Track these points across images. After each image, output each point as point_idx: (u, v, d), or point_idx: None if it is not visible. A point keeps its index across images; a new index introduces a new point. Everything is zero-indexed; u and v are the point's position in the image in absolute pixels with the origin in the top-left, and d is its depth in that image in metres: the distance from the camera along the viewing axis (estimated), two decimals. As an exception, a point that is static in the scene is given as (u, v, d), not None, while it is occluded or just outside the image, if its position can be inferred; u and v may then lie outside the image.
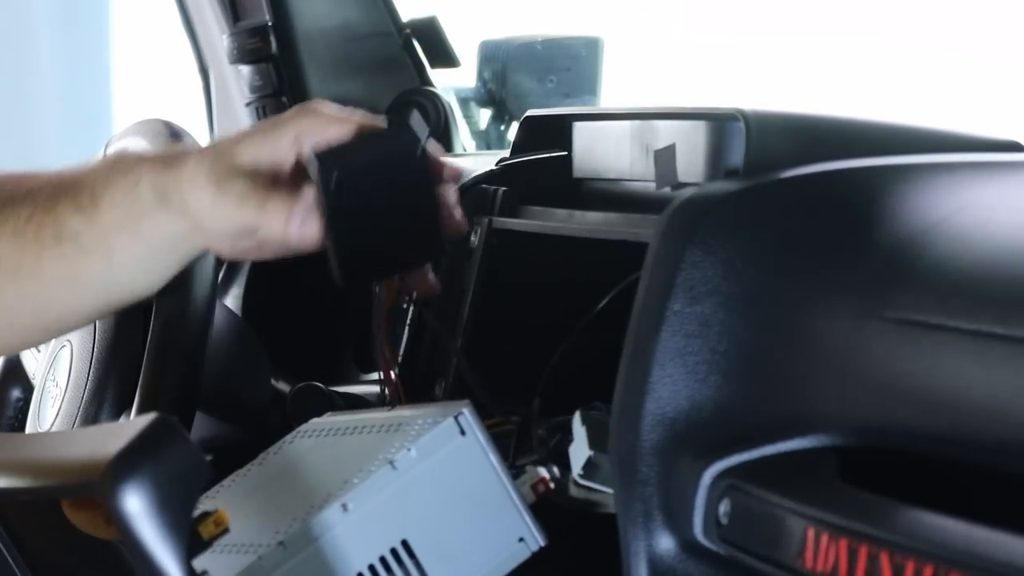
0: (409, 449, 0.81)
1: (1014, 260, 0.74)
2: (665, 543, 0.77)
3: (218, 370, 1.32)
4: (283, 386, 1.39)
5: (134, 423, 0.69)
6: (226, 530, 0.69)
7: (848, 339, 0.74)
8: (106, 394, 1.24)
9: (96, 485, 0.66)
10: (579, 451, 0.90)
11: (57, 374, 1.32)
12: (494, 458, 0.82)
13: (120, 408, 1.23)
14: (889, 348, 0.72)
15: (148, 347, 1.20)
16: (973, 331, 0.69)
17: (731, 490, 0.73)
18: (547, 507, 0.85)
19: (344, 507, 0.79)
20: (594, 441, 0.88)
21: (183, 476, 0.67)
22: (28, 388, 1.42)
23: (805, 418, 0.73)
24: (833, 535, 0.66)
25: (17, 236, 0.95)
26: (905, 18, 2.51)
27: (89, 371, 1.26)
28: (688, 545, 0.76)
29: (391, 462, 0.80)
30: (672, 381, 0.77)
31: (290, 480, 0.88)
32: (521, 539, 0.82)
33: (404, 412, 0.88)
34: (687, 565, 0.77)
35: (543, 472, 0.86)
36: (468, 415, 0.82)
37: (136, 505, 0.66)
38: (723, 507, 0.73)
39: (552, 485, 0.86)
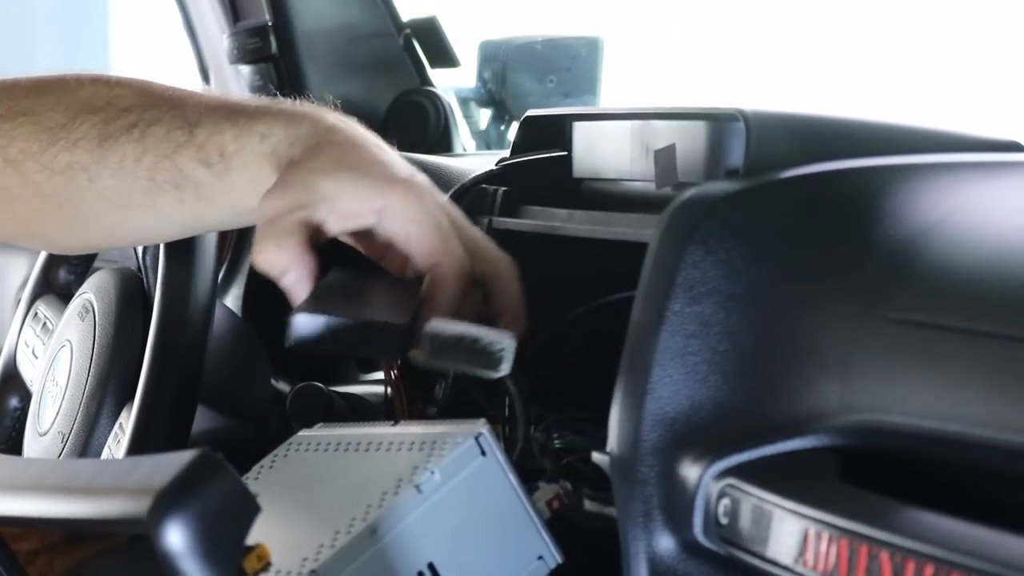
0: (433, 472, 0.80)
1: (1014, 260, 0.74)
2: (665, 543, 0.77)
3: (218, 370, 1.33)
4: (283, 386, 1.40)
5: (176, 457, 0.68)
6: (268, 564, 0.69)
7: (848, 339, 0.74)
8: (106, 392, 1.24)
9: (143, 522, 0.65)
10: None
11: (57, 373, 1.32)
12: (513, 477, 0.82)
13: (120, 406, 1.24)
14: (889, 348, 0.72)
15: (148, 345, 1.20)
16: (973, 331, 0.69)
17: (731, 490, 0.73)
18: (558, 521, 0.85)
19: (373, 532, 0.78)
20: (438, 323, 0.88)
21: (231, 513, 0.66)
22: (26, 396, 1.42)
23: (805, 418, 0.73)
24: (833, 535, 0.66)
25: (126, 174, 0.95)
26: (905, 19, 2.51)
27: (89, 369, 1.26)
28: (688, 545, 0.76)
29: (416, 486, 0.80)
30: (672, 381, 0.77)
31: (309, 499, 0.87)
32: (540, 557, 0.82)
33: (413, 429, 0.88)
34: (687, 565, 0.77)
35: (557, 488, 0.86)
36: (488, 435, 0.82)
37: (186, 541, 0.65)
38: (723, 507, 0.73)
39: (566, 501, 0.86)
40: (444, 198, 0.94)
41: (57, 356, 1.33)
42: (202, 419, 1.26)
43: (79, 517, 0.71)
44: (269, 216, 0.89)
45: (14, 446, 1.40)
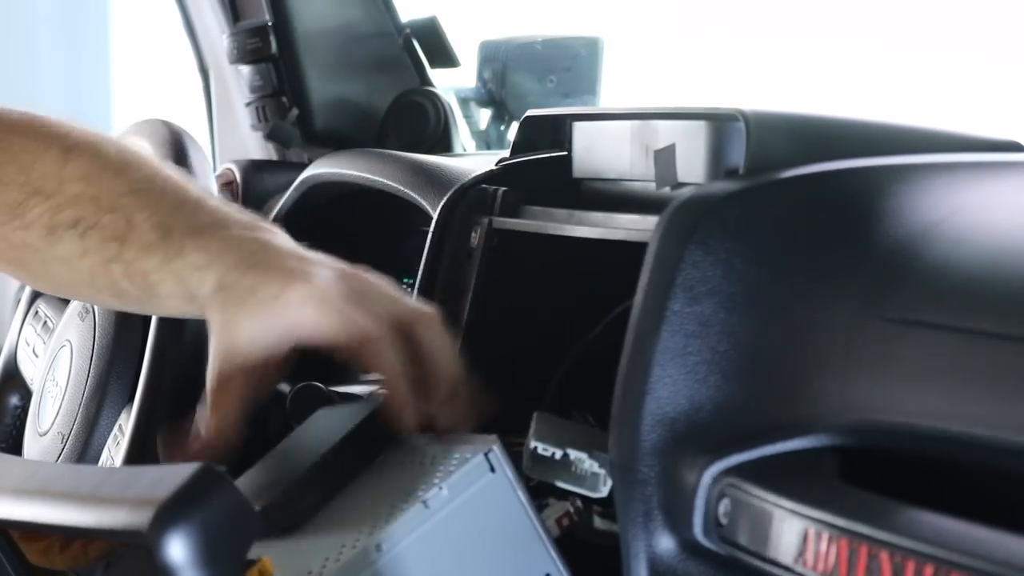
0: (441, 488, 0.79)
1: (1014, 260, 0.74)
2: (665, 543, 0.77)
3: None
4: (283, 386, 1.39)
5: (179, 470, 0.68)
6: None
7: (848, 339, 0.74)
8: (106, 393, 1.24)
9: (144, 534, 0.65)
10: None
11: (57, 374, 1.32)
12: (522, 494, 0.81)
13: (120, 406, 1.24)
14: (889, 348, 0.72)
15: (148, 346, 1.20)
16: (973, 331, 0.69)
17: (731, 490, 0.73)
18: (567, 539, 0.84)
19: (378, 547, 0.78)
20: (539, 432, 0.87)
21: (233, 527, 0.66)
22: (26, 395, 1.42)
23: (805, 418, 0.73)
24: (833, 535, 0.66)
25: (72, 268, 0.94)
26: (905, 19, 2.51)
27: (89, 370, 1.26)
28: (688, 545, 0.76)
29: (423, 501, 0.79)
30: (672, 381, 0.77)
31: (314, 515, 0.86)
32: (548, 575, 0.81)
33: (418, 439, 0.87)
34: (687, 565, 0.77)
35: (567, 506, 0.85)
36: (498, 451, 0.81)
37: (187, 555, 0.65)
38: (723, 507, 0.73)
39: (576, 519, 0.85)
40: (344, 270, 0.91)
41: (57, 356, 1.33)
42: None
43: (82, 525, 0.71)
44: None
45: (14, 445, 1.40)
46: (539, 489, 0.86)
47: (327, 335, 0.88)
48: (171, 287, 0.91)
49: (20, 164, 0.94)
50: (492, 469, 0.80)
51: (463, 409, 0.88)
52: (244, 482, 0.90)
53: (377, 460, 0.87)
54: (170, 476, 0.67)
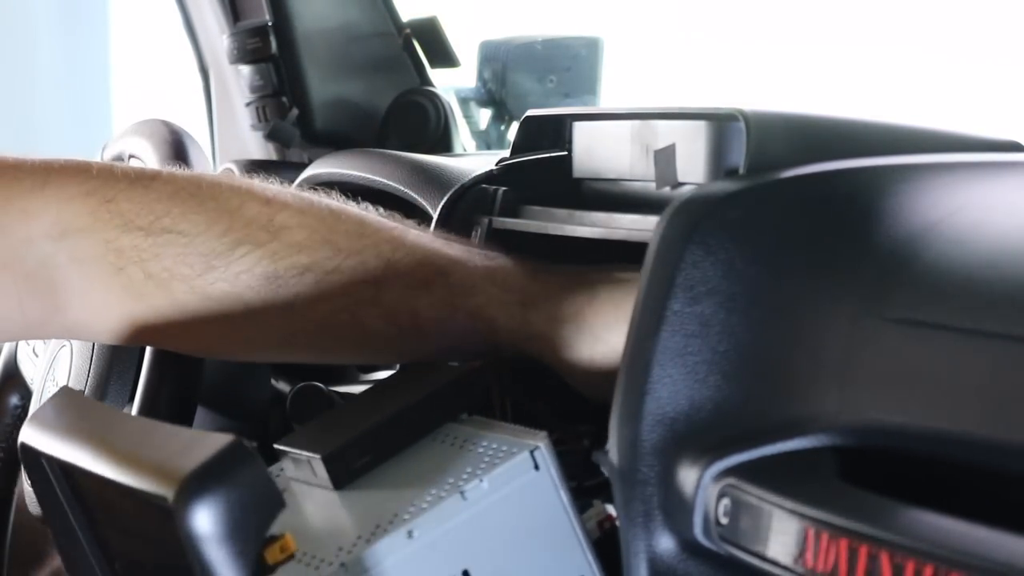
0: (481, 480, 0.79)
1: (1014, 260, 0.74)
2: (665, 543, 0.77)
3: (218, 370, 1.33)
4: (283, 386, 1.40)
5: (209, 439, 0.69)
6: (292, 556, 0.69)
7: (848, 339, 0.74)
8: (106, 393, 1.24)
9: (169, 502, 0.67)
10: None
11: (57, 374, 1.32)
12: (564, 495, 0.80)
13: (120, 406, 1.24)
14: (889, 348, 0.72)
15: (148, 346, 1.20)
16: (973, 331, 0.69)
17: (731, 490, 0.73)
18: (607, 541, 0.84)
19: (410, 534, 0.78)
20: None
21: (257, 504, 0.68)
22: (26, 395, 1.42)
23: (805, 418, 0.73)
24: (833, 535, 0.66)
25: (295, 316, 0.89)
26: (905, 18, 2.51)
27: (89, 370, 1.26)
28: (688, 545, 0.76)
29: (461, 492, 0.79)
30: (672, 381, 0.77)
31: (359, 483, 0.85)
32: None
33: (475, 420, 0.87)
34: (687, 565, 0.77)
35: (610, 509, 0.84)
36: (544, 450, 0.80)
37: (208, 527, 0.66)
38: (723, 507, 0.73)
39: (618, 523, 0.84)
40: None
41: (57, 356, 1.33)
42: (202, 420, 1.26)
43: (117, 480, 0.73)
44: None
45: (14, 445, 1.40)
46: (589, 491, 0.85)
47: None
48: (456, 324, 0.88)
49: (215, 211, 0.88)
50: (536, 467, 0.80)
51: None
52: (306, 430, 0.91)
53: (433, 433, 0.86)
54: (201, 445, 0.68)
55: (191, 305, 0.89)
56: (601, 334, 0.87)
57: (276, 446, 0.87)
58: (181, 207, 0.89)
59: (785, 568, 0.68)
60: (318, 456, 0.84)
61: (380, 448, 0.85)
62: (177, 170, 0.94)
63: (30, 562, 1.52)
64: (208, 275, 0.88)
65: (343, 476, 0.84)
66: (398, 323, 0.89)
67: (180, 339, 0.94)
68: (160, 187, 0.90)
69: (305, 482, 0.86)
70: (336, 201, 0.94)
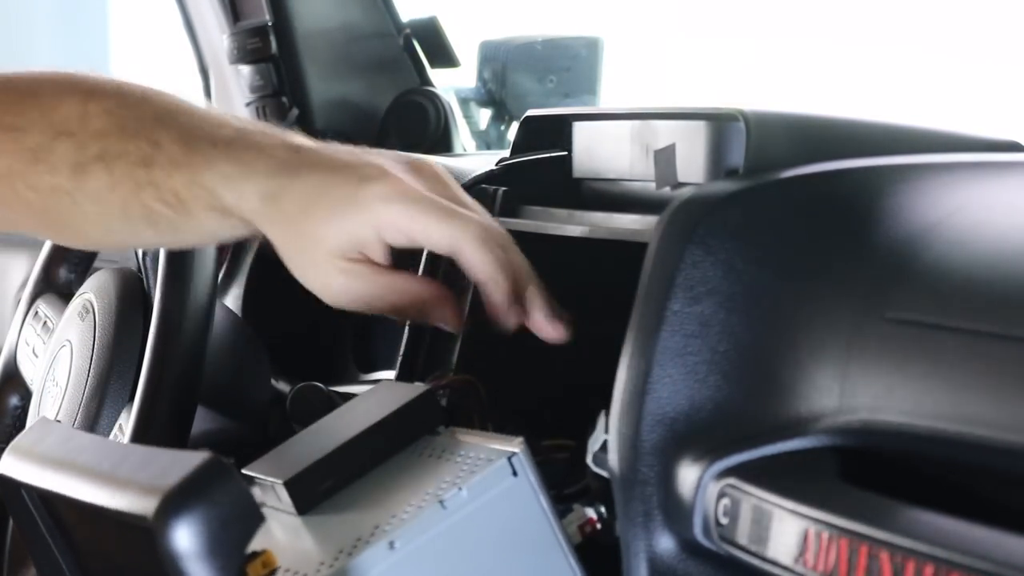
0: (460, 489, 0.79)
1: (1014, 260, 0.74)
2: (665, 543, 0.77)
3: (218, 370, 1.33)
4: (283, 386, 1.40)
5: (187, 457, 0.69)
6: (274, 571, 0.69)
7: (848, 339, 0.74)
8: (106, 393, 1.24)
9: (149, 520, 0.67)
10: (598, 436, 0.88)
11: (57, 374, 1.32)
12: (544, 501, 0.80)
13: (120, 407, 1.24)
14: (889, 348, 0.72)
15: (148, 346, 1.20)
16: (973, 331, 0.69)
17: (731, 490, 0.73)
18: (590, 545, 0.84)
19: (391, 544, 0.77)
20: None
21: (236, 519, 0.68)
22: (26, 395, 1.42)
23: (805, 418, 0.73)
24: (833, 535, 0.66)
25: (103, 203, 0.92)
26: (905, 18, 2.51)
27: (89, 370, 1.26)
28: (688, 545, 0.76)
29: (441, 501, 0.78)
30: (672, 381, 0.77)
31: (338, 496, 0.85)
32: None
33: (449, 431, 0.86)
34: (687, 565, 0.77)
35: (590, 512, 0.83)
36: (522, 456, 0.80)
37: (189, 544, 0.66)
38: (723, 507, 0.73)
39: (599, 526, 0.84)
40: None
41: (57, 356, 1.33)
42: (202, 420, 1.26)
43: (95, 503, 0.73)
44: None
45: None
46: (568, 496, 0.85)
47: (421, 237, 0.85)
48: (204, 201, 0.89)
49: (42, 108, 0.93)
50: (515, 473, 0.80)
51: (552, 308, 0.89)
52: (273, 455, 0.91)
53: (407, 448, 0.86)
54: (179, 464, 0.68)
55: (33, 200, 0.93)
56: (301, 222, 0.87)
57: (244, 471, 0.87)
58: (20, 105, 0.94)
59: (785, 568, 0.68)
60: (280, 481, 0.84)
61: (344, 470, 0.85)
62: (10, 71, 0.98)
63: (30, 562, 1.52)
64: (35, 168, 0.92)
65: (306, 500, 0.84)
66: (168, 203, 0.91)
67: (42, 232, 1.03)
68: (12, 90, 0.95)
69: (272, 508, 0.86)
70: (156, 88, 0.97)
